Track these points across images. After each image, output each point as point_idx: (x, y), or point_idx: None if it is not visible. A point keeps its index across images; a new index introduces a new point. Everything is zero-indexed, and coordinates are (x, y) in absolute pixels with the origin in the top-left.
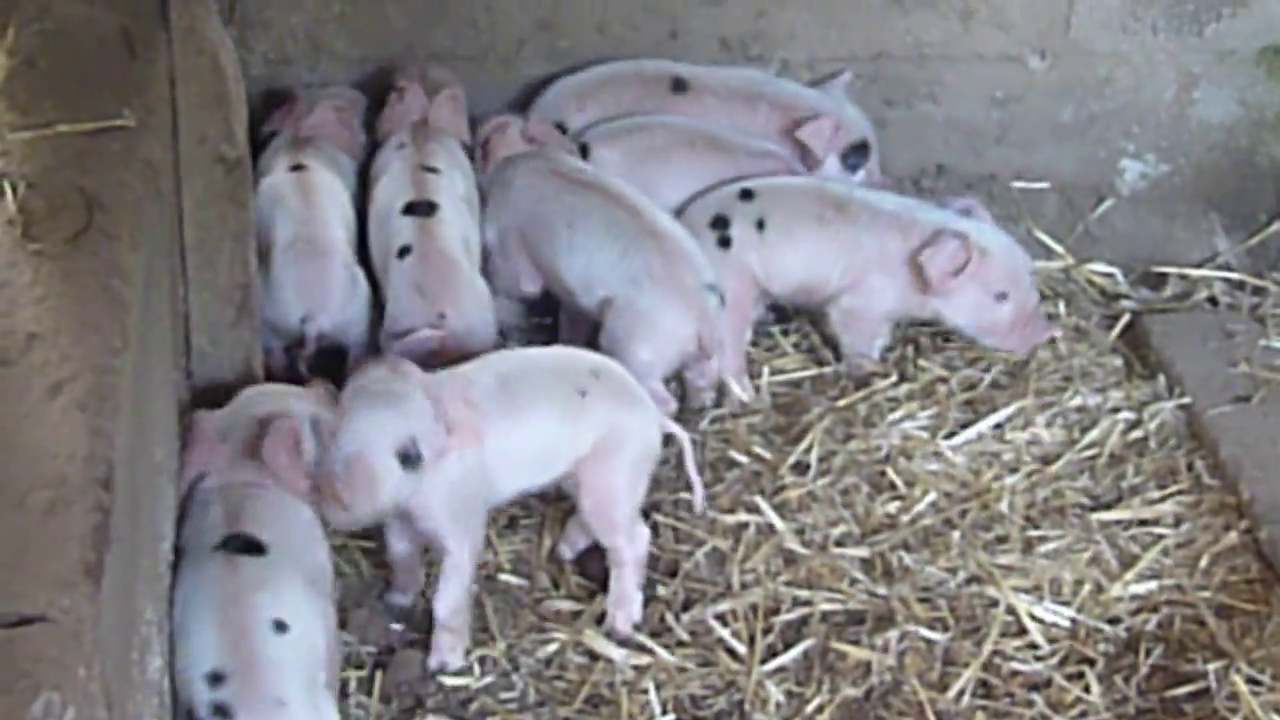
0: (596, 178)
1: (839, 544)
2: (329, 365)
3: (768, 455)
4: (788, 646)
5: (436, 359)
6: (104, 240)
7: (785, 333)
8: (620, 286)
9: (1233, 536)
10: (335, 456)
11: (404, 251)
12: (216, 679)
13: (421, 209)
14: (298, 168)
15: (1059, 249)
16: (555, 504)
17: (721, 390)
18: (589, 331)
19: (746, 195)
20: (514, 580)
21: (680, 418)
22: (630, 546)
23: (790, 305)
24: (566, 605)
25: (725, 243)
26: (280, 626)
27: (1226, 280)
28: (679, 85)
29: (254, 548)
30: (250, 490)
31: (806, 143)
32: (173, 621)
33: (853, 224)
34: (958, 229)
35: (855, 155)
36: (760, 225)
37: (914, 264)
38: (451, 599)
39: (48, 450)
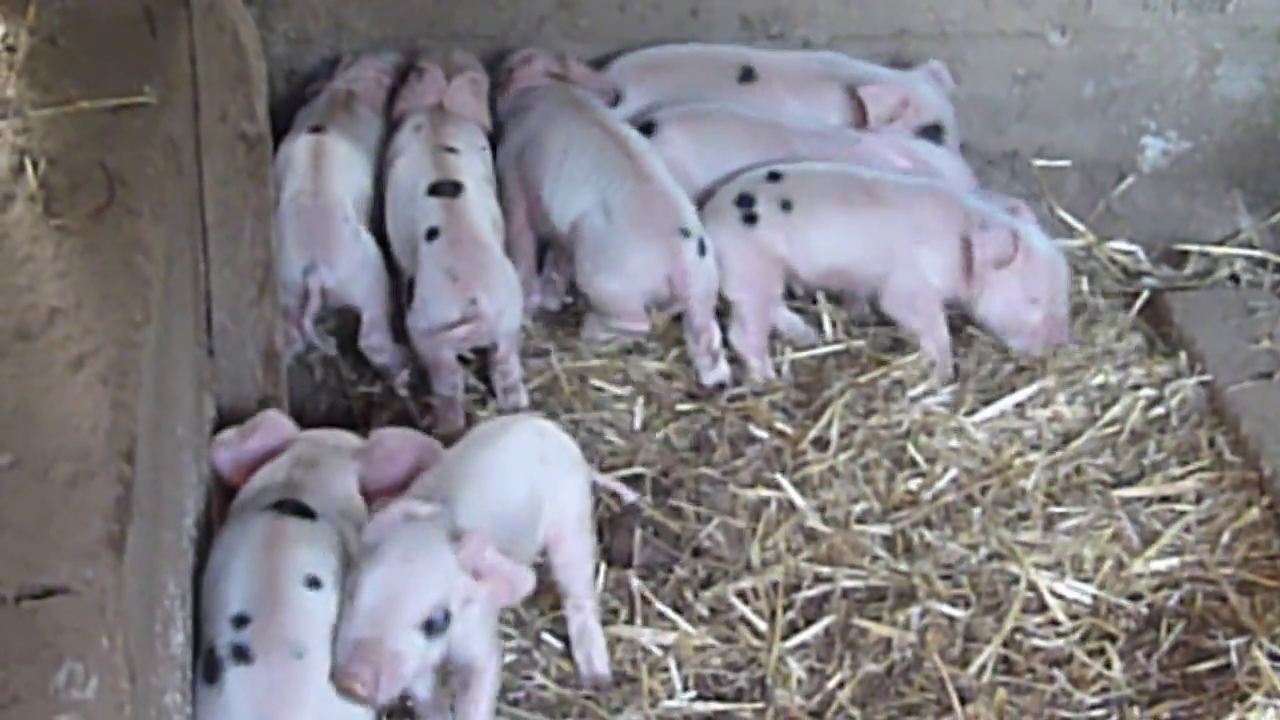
0: (606, 117)
1: (860, 521)
2: (342, 328)
3: (789, 430)
4: (809, 623)
5: (465, 344)
6: (125, 216)
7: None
8: (595, 218)
9: (1254, 512)
10: (346, 636)
11: (432, 234)
12: (241, 621)
13: (447, 189)
14: (316, 129)
15: (1080, 227)
16: None
17: (742, 368)
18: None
19: (774, 177)
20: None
21: (697, 397)
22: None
23: (832, 290)
24: None
25: (750, 220)
26: (314, 582)
27: (1248, 258)
28: (747, 75)
29: (304, 512)
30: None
31: (864, 102)
32: (210, 570)
33: (884, 206)
34: (1010, 223)
35: (929, 136)
36: (786, 206)
37: (965, 244)
38: (487, 713)
39: (70, 423)
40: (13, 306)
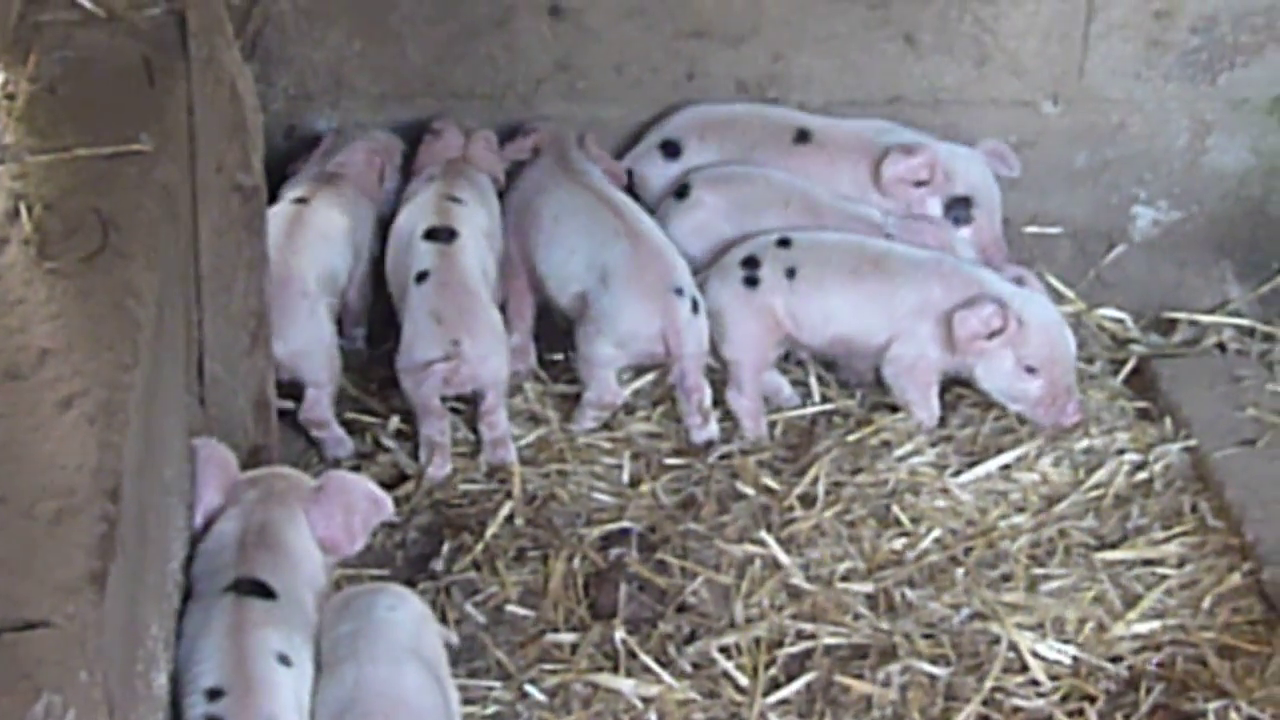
0: (596, 181)
1: (844, 579)
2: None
3: (776, 487)
4: (791, 679)
5: (449, 387)
6: (118, 260)
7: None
8: (590, 283)
9: (1236, 578)
10: None
11: (422, 277)
12: (215, 694)
13: (442, 235)
14: (300, 200)
15: (1070, 294)
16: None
17: (734, 426)
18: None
19: (784, 243)
20: (520, 611)
21: (684, 453)
22: None
23: (835, 359)
24: (572, 638)
25: (752, 282)
26: (284, 660)
27: (1236, 327)
28: (802, 136)
29: (264, 591)
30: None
31: (885, 160)
32: (180, 653)
33: (891, 277)
34: (999, 294)
35: (957, 208)
36: (791, 274)
37: (946, 320)
38: None
39: (57, 461)
40: (4, 347)
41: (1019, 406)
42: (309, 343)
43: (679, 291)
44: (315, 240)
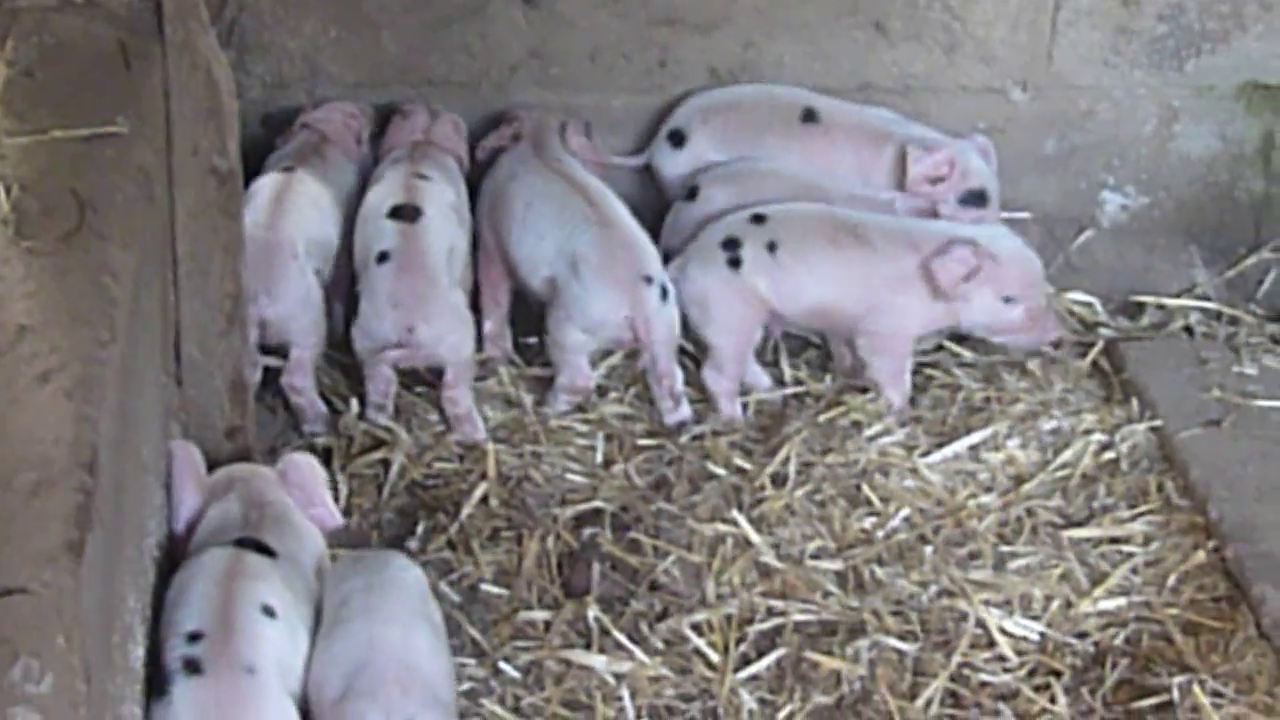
0: (569, 168)
1: (814, 557)
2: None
3: (747, 467)
4: (761, 655)
5: (406, 364)
6: (95, 240)
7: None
8: (560, 269)
9: (1200, 556)
10: None
11: (383, 257)
12: (194, 637)
13: (407, 213)
14: (287, 169)
15: None
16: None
17: (707, 407)
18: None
19: (758, 219)
20: (494, 590)
21: (657, 434)
22: None
23: (810, 332)
24: (545, 616)
25: (735, 263)
26: (269, 611)
27: (1203, 310)
28: (809, 116)
29: (265, 550)
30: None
31: (907, 159)
32: (167, 600)
33: (866, 246)
34: (967, 236)
35: (973, 202)
36: (771, 248)
37: (925, 271)
38: None
39: (34, 435)
40: None
41: (1005, 337)
42: (298, 304)
43: (648, 280)
44: (305, 205)
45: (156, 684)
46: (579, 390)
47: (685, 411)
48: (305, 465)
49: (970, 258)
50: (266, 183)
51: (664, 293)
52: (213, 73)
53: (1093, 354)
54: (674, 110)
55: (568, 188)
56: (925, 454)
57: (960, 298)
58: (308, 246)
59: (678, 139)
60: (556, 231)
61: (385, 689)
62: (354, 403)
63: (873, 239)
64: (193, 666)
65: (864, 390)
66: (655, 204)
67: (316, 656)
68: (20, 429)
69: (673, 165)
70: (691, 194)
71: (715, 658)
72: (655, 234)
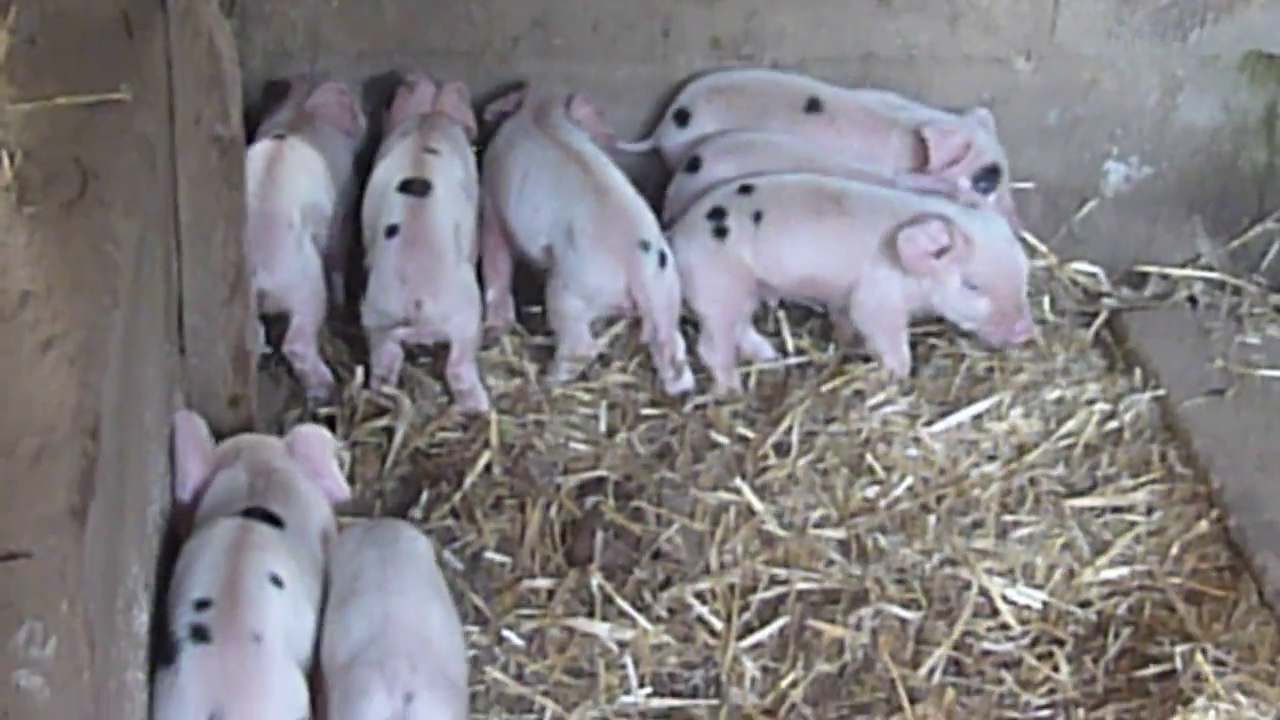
0: (567, 136)
1: (817, 526)
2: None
3: (750, 436)
4: (764, 624)
5: (412, 340)
6: (98, 207)
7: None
8: (556, 238)
9: (1203, 525)
10: None
11: (392, 231)
12: (202, 605)
13: (416, 187)
14: (279, 137)
15: (1043, 248)
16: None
17: (709, 379)
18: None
19: (745, 190)
20: (498, 558)
21: (660, 403)
22: None
23: (803, 301)
24: (548, 584)
25: (721, 233)
26: (276, 580)
27: (1206, 280)
28: (813, 105)
29: (272, 520)
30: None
31: (929, 142)
32: (175, 572)
33: (850, 216)
34: (944, 213)
35: (987, 178)
36: (757, 217)
37: (891, 241)
38: None
39: (38, 401)
40: None
41: (970, 325)
42: (296, 273)
43: (645, 246)
44: (298, 174)
45: (164, 651)
46: (580, 359)
47: (688, 380)
48: (314, 437)
49: (941, 234)
50: (258, 151)
51: (662, 259)
52: (215, 41)
53: (1096, 324)
54: (679, 92)
55: (564, 156)
56: (928, 423)
57: (928, 274)
58: (303, 212)
59: (683, 118)
60: (553, 201)
61: (393, 661)
62: (359, 371)
63: (855, 210)
64: (200, 634)
65: (866, 359)
66: (664, 182)
67: (330, 626)
68: (23, 395)
69: (676, 143)
70: (693, 165)
71: (718, 626)
72: (660, 209)
